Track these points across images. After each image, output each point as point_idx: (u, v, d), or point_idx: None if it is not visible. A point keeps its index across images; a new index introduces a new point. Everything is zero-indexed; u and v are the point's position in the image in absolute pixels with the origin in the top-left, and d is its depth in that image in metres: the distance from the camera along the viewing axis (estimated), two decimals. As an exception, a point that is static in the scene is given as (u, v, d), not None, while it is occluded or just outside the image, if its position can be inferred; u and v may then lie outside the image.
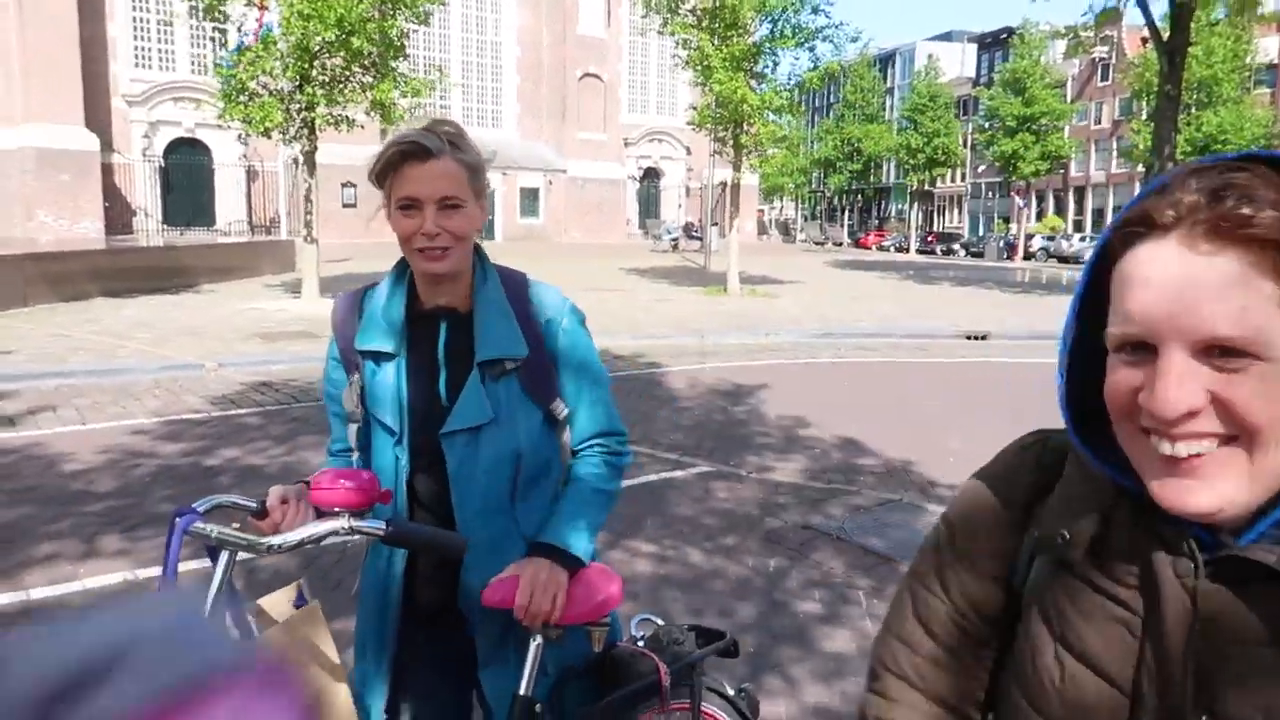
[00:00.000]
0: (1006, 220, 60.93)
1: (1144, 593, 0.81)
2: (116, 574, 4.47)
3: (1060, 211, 63.47)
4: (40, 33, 31.47)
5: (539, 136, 50.10)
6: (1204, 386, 0.72)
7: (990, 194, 68.24)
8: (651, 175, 54.24)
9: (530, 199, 49.35)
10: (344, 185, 39.47)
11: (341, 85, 14.78)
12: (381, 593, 1.89)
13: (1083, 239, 49.00)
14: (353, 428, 1.90)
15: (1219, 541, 0.78)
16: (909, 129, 57.15)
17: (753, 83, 20.12)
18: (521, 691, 1.77)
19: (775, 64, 21.16)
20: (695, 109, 21.40)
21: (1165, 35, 18.77)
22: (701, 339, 13.58)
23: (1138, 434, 0.77)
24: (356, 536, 1.62)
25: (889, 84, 77.09)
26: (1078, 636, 0.85)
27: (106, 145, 33.89)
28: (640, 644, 2.02)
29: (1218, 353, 0.72)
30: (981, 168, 64.21)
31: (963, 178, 72.34)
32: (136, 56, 36.57)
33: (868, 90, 63.74)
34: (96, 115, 33.82)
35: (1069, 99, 55.05)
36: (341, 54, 14.24)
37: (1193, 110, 30.22)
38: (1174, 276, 0.72)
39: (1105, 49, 53.16)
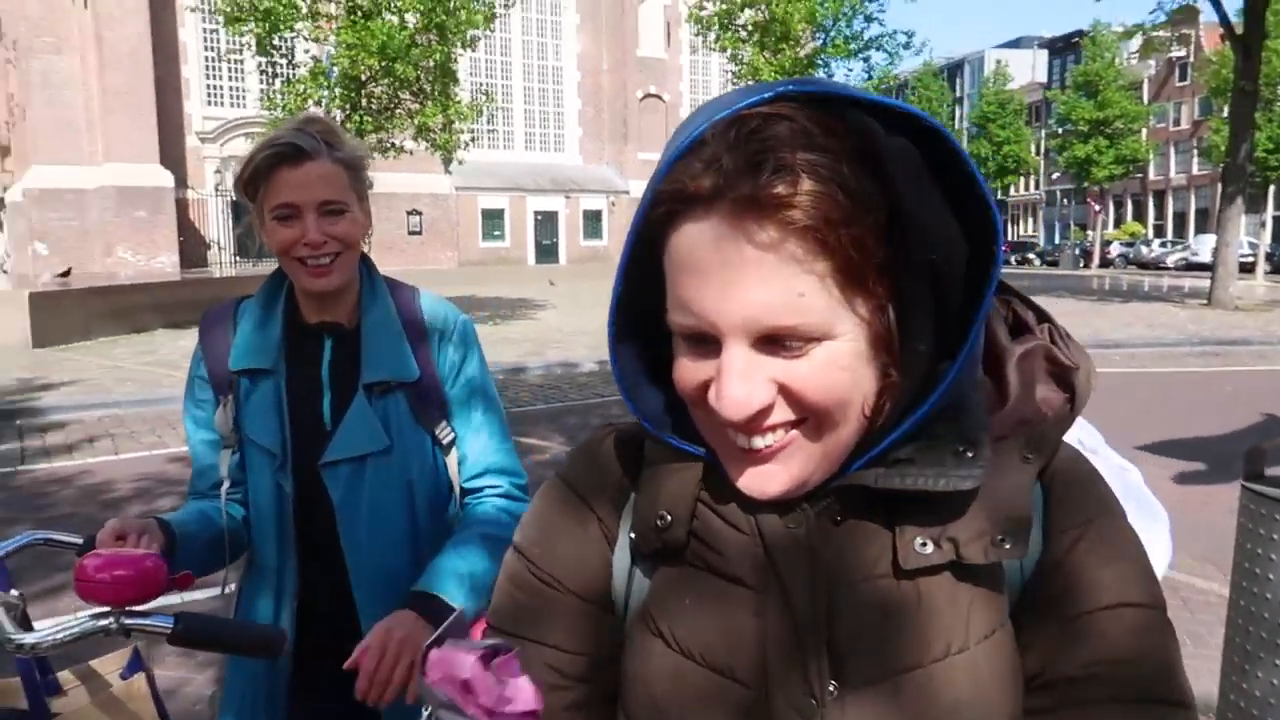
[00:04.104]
0: (1083, 227, 59.01)
1: (763, 556, 0.73)
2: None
3: (1140, 216, 61.41)
4: (118, 75, 32.74)
5: (600, 159, 50.42)
6: (770, 377, 0.66)
7: (1065, 201, 66.30)
8: (714, 193, 54.04)
9: (593, 221, 49.65)
10: (409, 213, 40.34)
11: (389, 112, 14.94)
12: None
13: (1163, 244, 47.15)
14: (227, 454, 1.69)
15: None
16: (979, 137, 55.97)
17: (805, 95, 19.78)
18: None
19: (829, 75, 20.83)
20: (749, 124, 21.11)
21: (1239, 29, 17.97)
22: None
23: (713, 422, 0.70)
24: (130, 635, 1.34)
25: (957, 93, 75.83)
26: (689, 630, 0.75)
27: (181, 181, 35.03)
28: None
29: (782, 340, 0.65)
30: (1055, 174, 62.51)
31: (1036, 185, 70.64)
32: (209, 94, 37.89)
33: (935, 100, 62.65)
34: (171, 153, 34.98)
35: (1146, 100, 53.25)
36: (386, 81, 14.41)
37: (1275, 107, 28.75)
38: (724, 265, 0.64)
39: (1182, 49, 51.33)
